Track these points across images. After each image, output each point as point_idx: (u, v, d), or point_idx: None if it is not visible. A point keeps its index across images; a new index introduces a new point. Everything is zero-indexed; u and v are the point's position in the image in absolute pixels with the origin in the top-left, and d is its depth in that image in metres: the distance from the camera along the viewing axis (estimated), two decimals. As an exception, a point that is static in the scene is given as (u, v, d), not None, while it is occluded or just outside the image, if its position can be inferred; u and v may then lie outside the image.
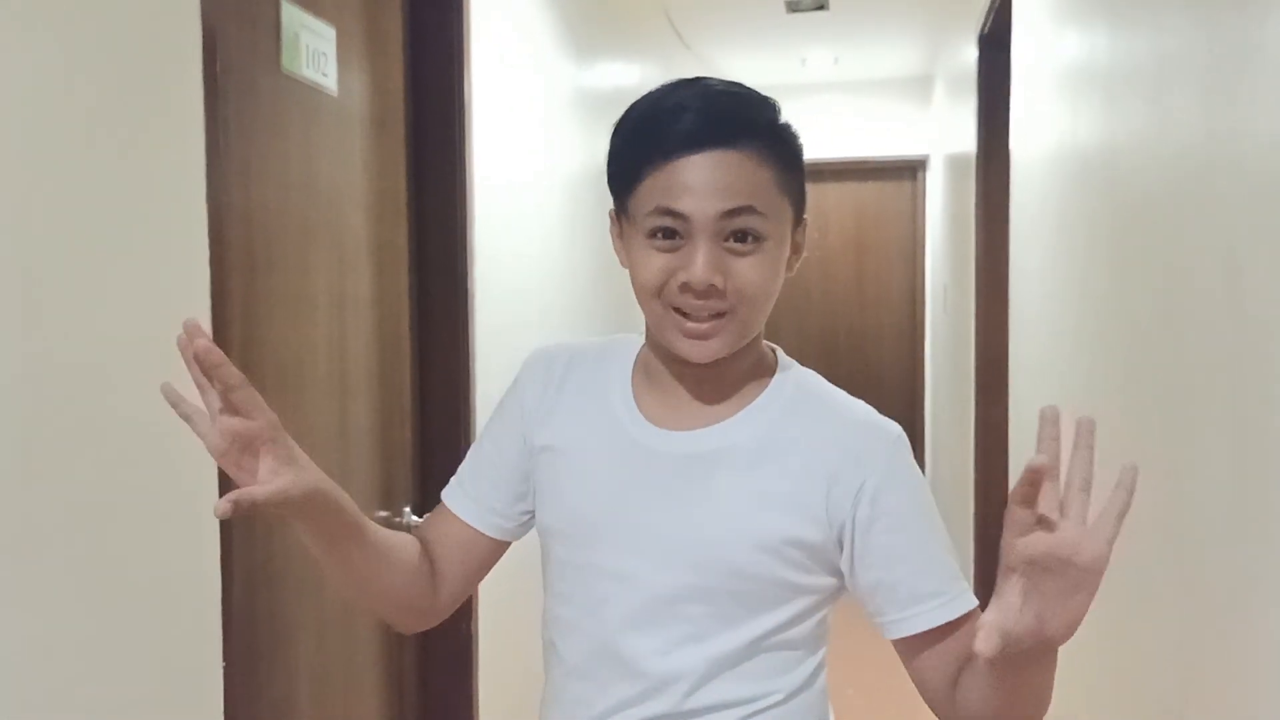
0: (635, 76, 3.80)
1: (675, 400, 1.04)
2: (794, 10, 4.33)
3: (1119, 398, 1.49)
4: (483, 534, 1.12)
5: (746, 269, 0.96)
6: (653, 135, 0.98)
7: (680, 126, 0.96)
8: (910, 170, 5.71)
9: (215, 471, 1.19)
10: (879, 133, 5.62)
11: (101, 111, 1.03)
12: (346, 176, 1.68)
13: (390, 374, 1.85)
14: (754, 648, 1.01)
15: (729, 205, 0.95)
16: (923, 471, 4.73)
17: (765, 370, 1.05)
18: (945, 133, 4.67)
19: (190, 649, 1.16)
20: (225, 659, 1.20)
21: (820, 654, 1.08)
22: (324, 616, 1.62)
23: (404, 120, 1.90)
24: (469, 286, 1.98)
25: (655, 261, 0.97)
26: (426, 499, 1.95)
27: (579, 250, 2.87)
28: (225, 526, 1.21)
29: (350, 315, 1.69)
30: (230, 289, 1.34)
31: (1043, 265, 2.15)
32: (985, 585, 2.61)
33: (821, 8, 4.30)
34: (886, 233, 5.78)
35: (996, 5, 2.85)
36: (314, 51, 1.57)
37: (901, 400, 5.69)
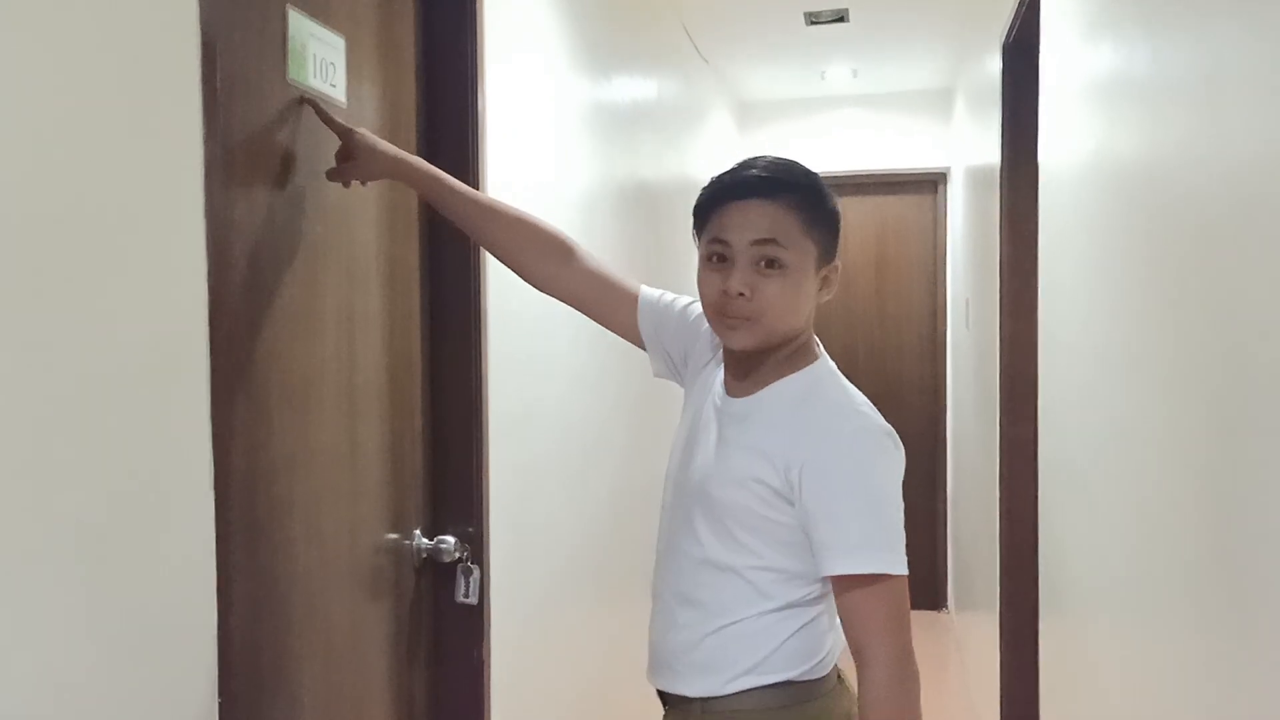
0: (653, 90, 3.75)
1: (735, 377, 1.46)
2: (814, 23, 4.28)
3: (1167, 421, 1.43)
4: (636, 324, 1.61)
5: (770, 287, 1.36)
6: (722, 186, 1.40)
7: (738, 181, 1.39)
8: (931, 183, 5.64)
9: (211, 497, 1.14)
10: (899, 145, 5.56)
11: (95, 124, 0.98)
12: (356, 190, 1.63)
13: (401, 394, 1.80)
14: (730, 562, 1.40)
15: (758, 236, 1.36)
16: (945, 488, 4.68)
17: (799, 365, 1.43)
18: (967, 145, 4.60)
19: (184, 682, 1.10)
20: (222, 694, 1.14)
21: (798, 617, 1.40)
22: (331, 643, 1.56)
23: (416, 132, 1.85)
24: (482, 304, 1.93)
25: (711, 280, 1.40)
26: (437, 522, 1.90)
27: (595, 265, 2.81)
28: (223, 552, 1.16)
29: (360, 333, 1.64)
30: (233, 305, 1.29)
31: (1076, 280, 2.08)
32: (1011, 606, 2.52)
33: (841, 20, 4.25)
34: (907, 247, 5.71)
35: (1021, 14, 2.79)
36: (322, 61, 1.53)
37: (923, 416, 5.60)
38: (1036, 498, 2.74)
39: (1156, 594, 1.47)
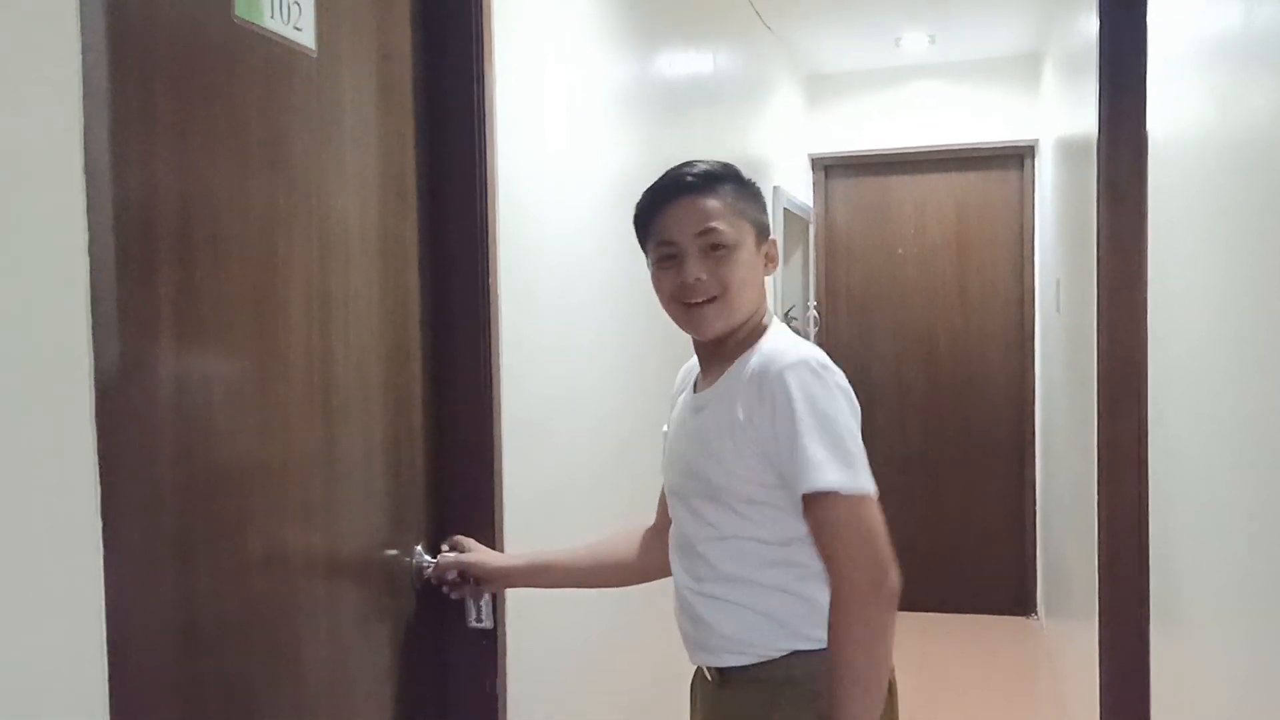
0: (709, 63, 3.48)
1: (704, 375, 1.57)
2: (885, -18, 3.95)
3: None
4: None
5: (722, 268, 1.47)
6: (656, 193, 1.53)
7: (670, 184, 1.52)
8: (1017, 157, 5.24)
9: (97, 520, 0.92)
10: (982, 117, 5.17)
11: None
12: (330, 153, 1.40)
13: (395, 390, 1.56)
14: (741, 532, 1.45)
15: (700, 228, 1.48)
16: (1033, 486, 4.37)
17: (748, 345, 1.49)
18: (1058, 115, 4.22)
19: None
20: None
21: (793, 579, 1.44)
22: (304, 680, 1.34)
23: (412, 88, 1.62)
24: (492, 285, 1.69)
25: (665, 279, 1.51)
26: (444, 532, 1.67)
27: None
28: (122, 585, 0.93)
29: (337, 320, 1.41)
30: (155, 291, 1.07)
31: (1196, 263, 1.76)
32: (1113, 616, 2.18)
33: (916, -22, 3.91)
34: (991, 226, 5.31)
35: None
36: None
37: (1008, 408, 5.21)
38: (1140, 498, 2.42)
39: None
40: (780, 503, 1.41)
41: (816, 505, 1.37)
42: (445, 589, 1.62)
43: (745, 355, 1.47)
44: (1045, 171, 4.78)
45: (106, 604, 0.91)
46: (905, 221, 5.38)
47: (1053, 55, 4.36)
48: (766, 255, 1.54)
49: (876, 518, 1.37)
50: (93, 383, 0.90)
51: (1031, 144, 5.12)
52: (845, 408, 1.40)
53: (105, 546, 0.91)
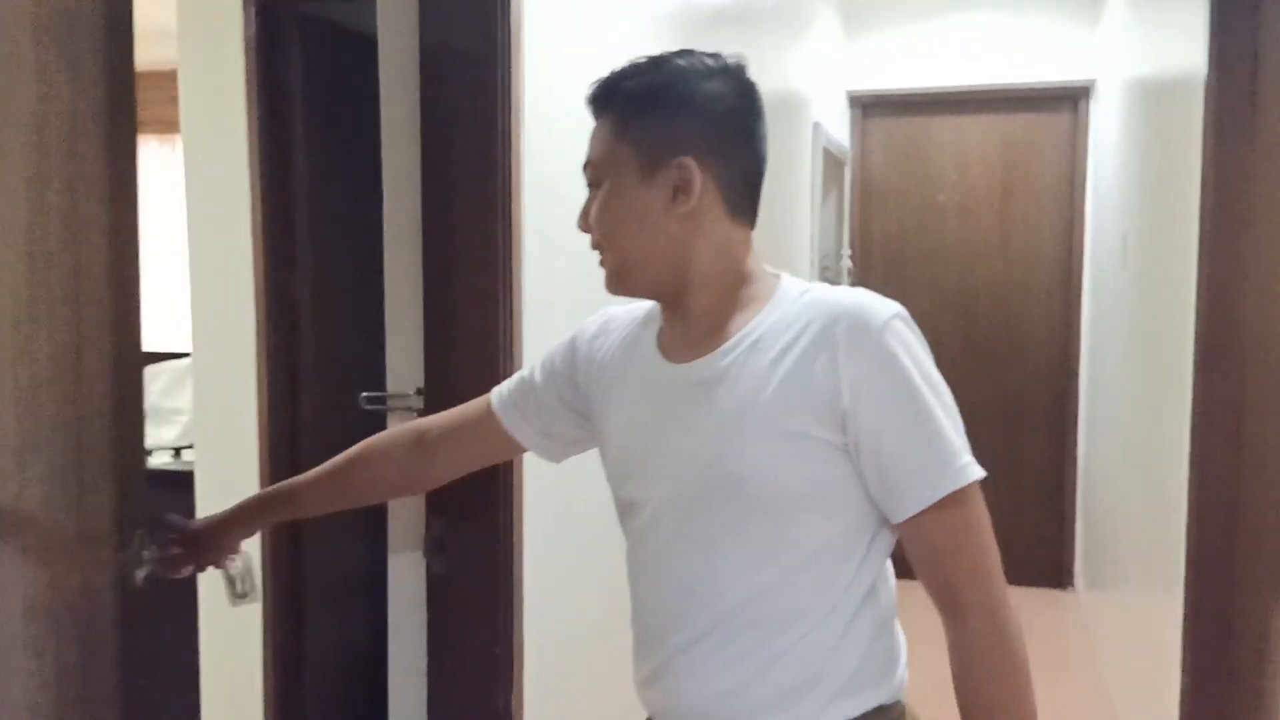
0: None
1: (678, 339, 1.18)
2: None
3: None
4: (520, 444, 1.35)
5: (592, 209, 1.17)
6: None
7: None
8: (1070, 99, 4.86)
9: None
10: (1033, 55, 4.80)
11: None
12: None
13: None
14: (778, 555, 1.09)
15: (584, 162, 1.19)
16: (1074, 450, 4.12)
17: (757, 303, 1.14)
18: (1127, 52, 3.86)
19: None
20: None
21: (864, 588, 1.11)
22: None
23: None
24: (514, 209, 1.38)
25: None
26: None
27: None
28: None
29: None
30: None
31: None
32: (1210, 591, 1.83)
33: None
34: (1039, 173, 4.96)
35: None
36: None
37: (1051, 370, 4.91)
38: (1240, 467, 2.18)
39: None
40: (831, 509, 1.09)
41: (953, 505, 1.05)
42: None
43: (769, 308, 1.12)
44: (1106, 114, 4.43)
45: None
46: (946, 166, 5.04)
47: (1121, -15, 3.99)
48: (678, 188, 1.11)
49: (986, 509, 1.10)
50: None
51: (1087, 85, 4.75)
52: None
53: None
